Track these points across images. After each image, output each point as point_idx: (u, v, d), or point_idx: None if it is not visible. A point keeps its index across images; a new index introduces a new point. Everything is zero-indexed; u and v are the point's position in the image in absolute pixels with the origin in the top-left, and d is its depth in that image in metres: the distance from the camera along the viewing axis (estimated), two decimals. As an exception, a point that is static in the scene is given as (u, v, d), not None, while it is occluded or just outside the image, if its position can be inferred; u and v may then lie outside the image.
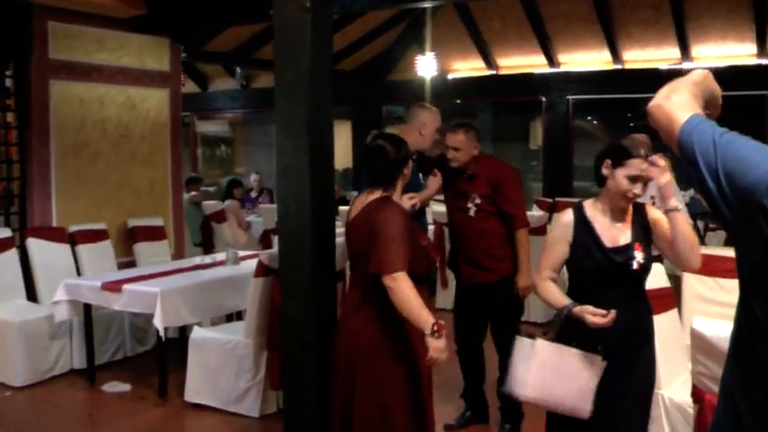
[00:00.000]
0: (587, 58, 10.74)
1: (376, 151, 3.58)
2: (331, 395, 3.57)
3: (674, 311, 4.27)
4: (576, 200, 10.15)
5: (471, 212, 4.68)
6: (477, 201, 4.69)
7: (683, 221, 3.02)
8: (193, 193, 10.03)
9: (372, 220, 3.38)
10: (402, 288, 3.23)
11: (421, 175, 4.92)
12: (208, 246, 9.78)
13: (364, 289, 3.44)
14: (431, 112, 4.97)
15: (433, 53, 11.02)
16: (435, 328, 3.15)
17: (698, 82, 1.64)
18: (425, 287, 3.63)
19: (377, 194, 3.48)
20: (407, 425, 3.42)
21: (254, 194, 12.00)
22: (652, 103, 1.59)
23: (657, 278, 3.97)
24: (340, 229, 4.84)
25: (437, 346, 3.17)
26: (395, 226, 3.32)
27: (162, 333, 5.51)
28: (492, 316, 4.85)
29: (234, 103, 13.77)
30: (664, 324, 3.87)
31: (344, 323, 3.54)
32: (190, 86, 13.16)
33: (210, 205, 10.45)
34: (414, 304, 3.22)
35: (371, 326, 3.41)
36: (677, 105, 1.54)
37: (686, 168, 1.49)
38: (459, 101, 12.60)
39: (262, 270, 5.14)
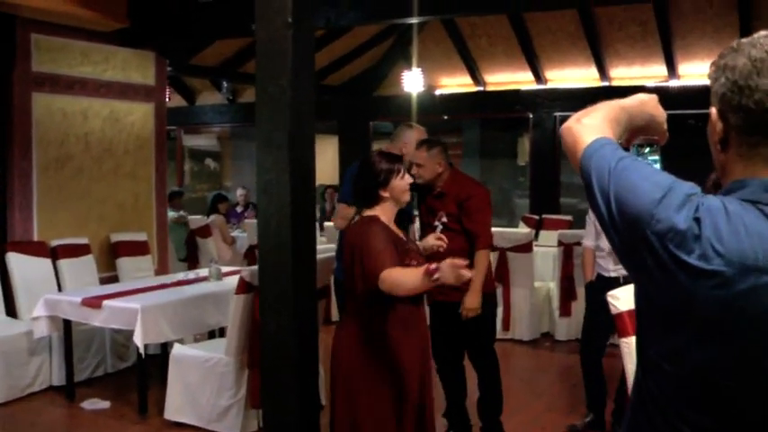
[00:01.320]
0: (574, 75, 10.74)
1: (361, 167, 3.65)
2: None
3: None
4: (563, 217, 10.23)
5: (438, 230, 4.61)
6: (444, 219, 4.63)
7: None
8: (181, 213, 9.98)
9: (354, 242, 3.43)
10: (391, 280, 3.19)
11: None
12: (192, 261, 9.72)
13: (349, 307, 3.54)
14: (415, 131, 4.92)
15: (419, 69, 11.01)
16: (429, 276, 3.03)
17: (627, 106, 1.58)
18: (421, 307, 3.62)
19: (366, 212, 3.54)
20: None
21: (239, 209, 11.94)
22: (563, 125, 1.54)
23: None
24: (321, 246, 4.81)
25: (446, 275, 2.99)
26: (374, 240, 3.34)
27: (142, 350, 5.44)
28: (463, 335, 4.77)
29: (221, 118, 13.70)
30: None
31: (334, 340, 3.60)
32: (177, 100, 13.09)
33: (195, 220, 10.39)
34: (407, 283, 3.18)
35: (350, 343, 3.48)
36: (586, 128, 1.49)
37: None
38: (446, 116, 12.59)
39: (243, 287, 5.08)
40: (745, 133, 1.34)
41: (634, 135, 1.61)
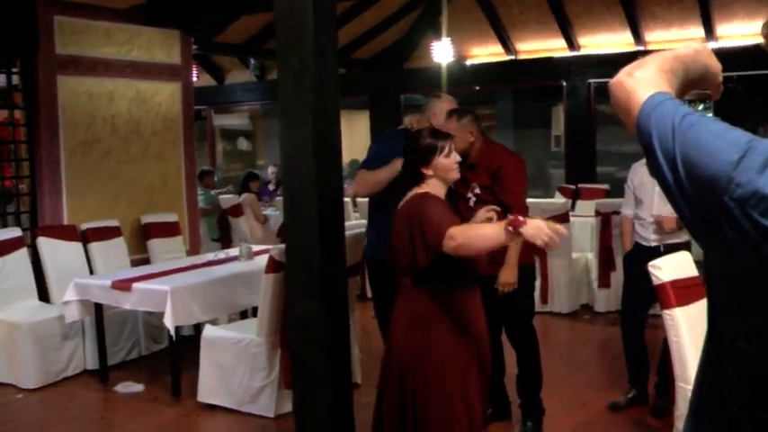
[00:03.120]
0: (608, 41, 10.45)
1: (407, 143, 3.56)
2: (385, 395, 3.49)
3: (703, 301, 4.06)
4: (600, 186, 10.01)
5: (471, 203, 4.43)
6: (477, 191, 4.44)
7: None
8: (212, 196, 9.89)
9: (410, 214, 3.32)
10: (463, 236, 3.07)
11: None
12: (226, 240, 9.67)
13: (402, 288, 3.41)
14: (442, 101, 4.75)
15: (449, 39, 10.78)
16: (510, 228, 2.90)
17: (681, 56, 1.39)
18: (475, 293, 3.49)
19: (415, 190, 3.42)
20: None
21: (271, 187, 11.86)
22: (613, 80, 1.36)
23: (685, 267, 3.76)
24: (349, 223, 4.70)
25: (530, 233, 2.87)
26: (431, 208, 3.27)
27: (172, 332, 5.38)
28: (501, 310, 4.57)
29: (251, 96, 13.59)
30: (693, 315, 3.66)
31: (393, 324, 3.47)
32: (206, 79, 13.02)
33: (227, 199, 10.33)
34: (481, 236, 3.09)
35: (413, 325, 3.36)
36: (640, 83, 1.30)
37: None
38: (478, 87, 12.36)
39: (273, 266, 4.98)
40: None
41: (688, 88, 1.43)
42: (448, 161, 3.42)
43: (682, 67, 1.38)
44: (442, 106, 4.64)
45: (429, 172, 3.40)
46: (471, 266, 3.42)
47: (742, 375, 1.20)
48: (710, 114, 1.42)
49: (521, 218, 2.93)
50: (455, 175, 3.50)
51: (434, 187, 3.43)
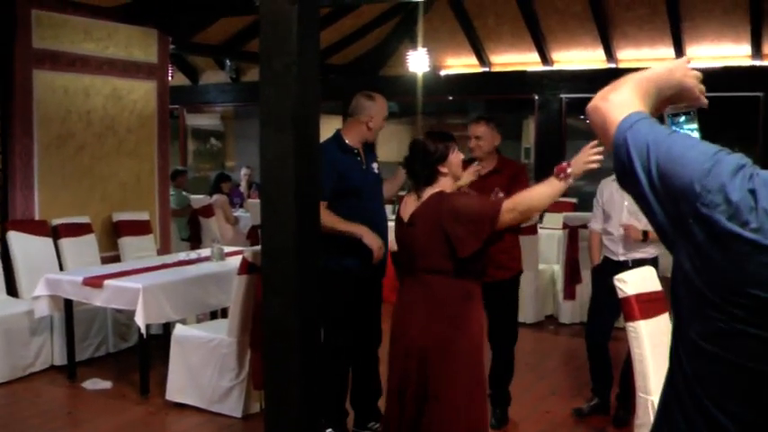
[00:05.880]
0: (581, 57, 10.62)
1: (413, 149, 3.75)
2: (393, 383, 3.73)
3: (665, 316, 4.17)
4: (568, 199, 10.14)
5: None
6: (501, 194, 4.57)
7: None
8: (183, 198, 9.88)
9: (441, 215, 3.50)
10: (523, 204, 3.41)
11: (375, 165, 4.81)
12: (195, 241, 9.67)
13: (423, 285, 3.58)
14: (377, 101, 4.74)
15: (425, 49, 10.89)
16: (561, 175, 3.35)
17: (653, 77, 1.49)
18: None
19: (427, 191, 3.63)
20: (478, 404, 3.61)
21: (243, 189, 11.87)
22: (589, 105, 1.46)
23: (649, 281, 3.87)
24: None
25: (581, 169, 3.35)
26: (462, 198, 3.60)
27: (143, 330, 5.39)
28: (494, 314, 4.76)
29: (224, 97, 13.60)
30: (655, 329, 3.77)
31: (407, 317, 3.64)
32: (180, 79, 12.99)
33: (198, 200, 10.33)
34: (539, 197, 3.44)
35: (436, 321, 3.55)
36: (614, 105, 1.41)
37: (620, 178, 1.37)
38: (451, 97, 12.48)
39: (245, 267, 5.03)
40: None
41: (663, 105, 1.52)
42: (458, 158, 3.71)
43: (654, 88, 1.47)
44: (377, 108, 4.70)
45: (444, 170, 3.64)
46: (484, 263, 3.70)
47: (702, 377, 1.28)
48: (695, 125, 1.53)
49: (563, 163, 3.31)
50: (462, 171, 3.82)
51: (446, 185, 3.66)
